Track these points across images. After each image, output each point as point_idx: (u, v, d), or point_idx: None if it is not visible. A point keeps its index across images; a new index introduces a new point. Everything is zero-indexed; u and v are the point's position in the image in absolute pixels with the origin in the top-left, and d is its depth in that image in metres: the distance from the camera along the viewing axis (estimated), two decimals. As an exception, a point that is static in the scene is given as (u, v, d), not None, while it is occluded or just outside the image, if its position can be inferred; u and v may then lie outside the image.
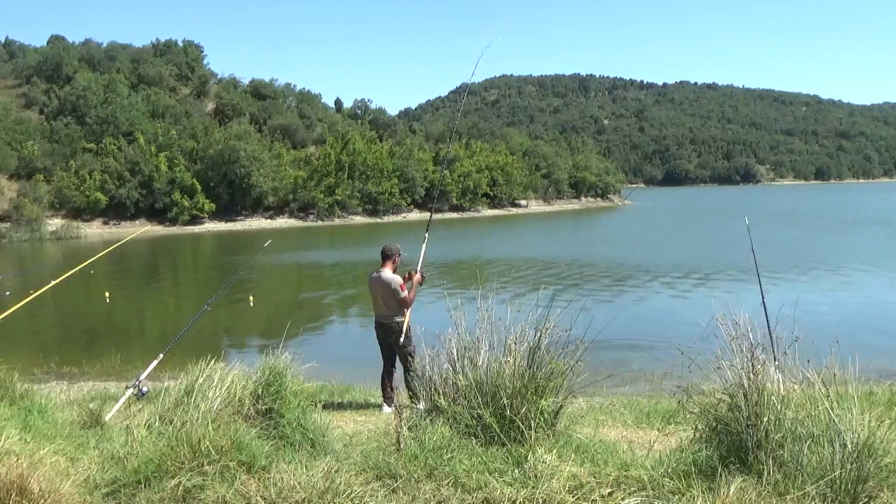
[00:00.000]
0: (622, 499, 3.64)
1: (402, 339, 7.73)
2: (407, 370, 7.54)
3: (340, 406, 8.13)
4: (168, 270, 37.10)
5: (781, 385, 4.06)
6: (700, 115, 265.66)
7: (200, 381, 4.90)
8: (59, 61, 75.08)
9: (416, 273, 8.04)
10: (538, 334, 4.69)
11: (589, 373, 4.92)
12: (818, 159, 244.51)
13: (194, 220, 62.71)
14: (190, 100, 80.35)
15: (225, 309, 19.55)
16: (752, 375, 3.95)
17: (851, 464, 3.58)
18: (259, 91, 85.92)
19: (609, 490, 3.71)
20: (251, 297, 17.77)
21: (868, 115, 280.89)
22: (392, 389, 7.85)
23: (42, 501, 3.70)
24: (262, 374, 4.99)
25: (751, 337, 4.17)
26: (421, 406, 4.99)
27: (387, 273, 7.85)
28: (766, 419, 3.84)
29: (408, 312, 7.86)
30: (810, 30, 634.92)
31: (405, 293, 7.76)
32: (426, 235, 8.48)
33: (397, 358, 7.92)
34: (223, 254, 43.49)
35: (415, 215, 74.53)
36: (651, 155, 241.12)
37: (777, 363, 4.22)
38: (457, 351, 4.91)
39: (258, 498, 3.72)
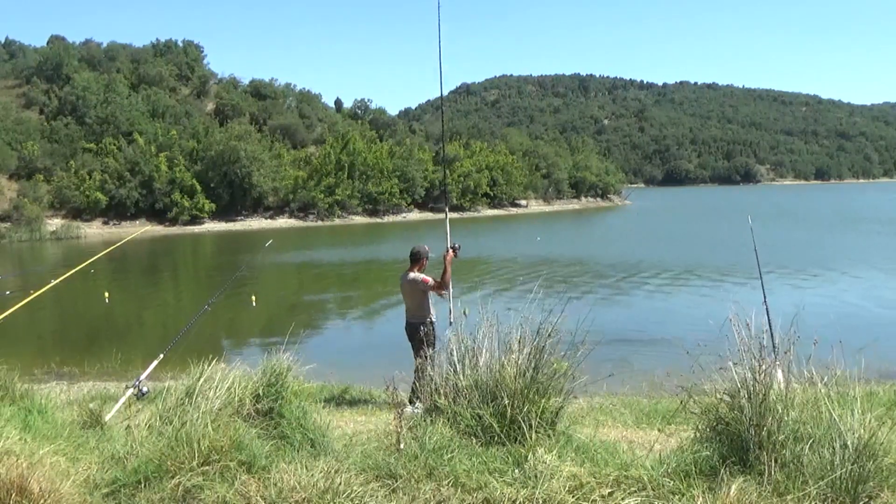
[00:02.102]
0: (622, 499, 3.63)
1: (450, 326, 7.79)
2: (417, 370, 7.56)
3: (340, 406, 8.13)
4: (168, 270, 37.07)
5: (784, 385, 4.06)
6: (700, 115, 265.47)
7: (201, 381, 4.89)
8: (59, 61, 75.09)
9: (447, 252, 8.09)
10: (541, 335, 4.68)
11: (590, 373, 4.92)
12: (818, 159, 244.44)
13: (194, 220, 62.72)
14: (190, 100, 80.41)
15: (226, 309, 19.53)
16: (758, 376, 3.94)
17: (852, 464, 3.57)
18: (259, 91, 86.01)
19: (609, 490, 3.70)
20: (253, 297, 17.76)
21: (868, 115, 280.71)
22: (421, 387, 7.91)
23: (42, 501, 3.69)
24: (264, 374, 4.98)
25: (763, 339, 4.17)
26: (419, 406, 4.97)
27: (413, 273, 8.05)
28: (769, 420, 3.84)
29: (448, 295, 7.98)
30: (810, 30, 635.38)
31: (431, 281, 7.92)
32: (447, 212, 8.88)
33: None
34: (223, 254, 43.50)
35: (415, 215, 74.58)
36: (651, 155, 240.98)
37: (780, 363, 4.22)
38: (457, 352, 4.90)
39: (258, 498, 3.71)
